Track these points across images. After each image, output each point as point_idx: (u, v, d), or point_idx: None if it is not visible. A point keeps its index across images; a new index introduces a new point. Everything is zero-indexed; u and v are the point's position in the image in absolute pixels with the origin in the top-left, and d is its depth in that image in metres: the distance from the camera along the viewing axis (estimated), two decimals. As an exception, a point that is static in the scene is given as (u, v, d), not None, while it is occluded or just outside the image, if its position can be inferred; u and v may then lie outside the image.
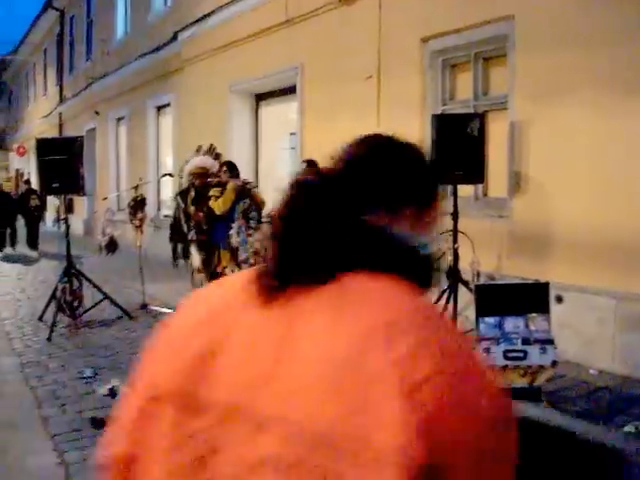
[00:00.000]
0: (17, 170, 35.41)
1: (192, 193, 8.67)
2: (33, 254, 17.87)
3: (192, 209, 8.55)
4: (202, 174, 8.53)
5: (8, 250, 18.27)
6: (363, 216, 1.05)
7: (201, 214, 8.45)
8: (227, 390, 0.99)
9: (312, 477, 0.89)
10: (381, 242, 1.04)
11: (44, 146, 8.58)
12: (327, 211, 1.04)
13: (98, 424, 4.75)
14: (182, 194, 8.85)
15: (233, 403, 0.98)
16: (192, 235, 8.57)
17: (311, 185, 1.10)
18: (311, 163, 7.37)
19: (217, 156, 8.81)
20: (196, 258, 8.56)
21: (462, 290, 6.80)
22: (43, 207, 19.36)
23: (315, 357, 0.94)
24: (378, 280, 1.01)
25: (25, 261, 16.47)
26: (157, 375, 1.08)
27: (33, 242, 18.83)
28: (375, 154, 1.16)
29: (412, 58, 8.14)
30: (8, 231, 18.57)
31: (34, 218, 19.12)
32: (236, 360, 1.00)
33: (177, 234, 8.95)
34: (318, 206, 1.05)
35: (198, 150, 8.98)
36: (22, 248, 18.58)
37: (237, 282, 1.11)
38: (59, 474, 4.04)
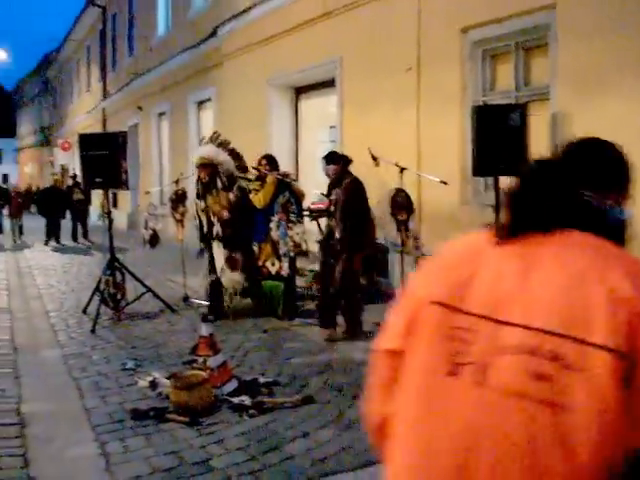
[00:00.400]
0: (62, 165, 36.02)
1: (199, 187, 8.32)
2: (81, 245, 18.46)
3: (212, 205, 8.20)
4: (207, 165, 8.13)
5: (53, 243, 18.72)
6: (577, 192, 1.45)
7: (218, 208, 8.12)
8: (480, 302, 1.41)
9: (544, 358, 1.29)
10: (590, 209, 1.44)
11: (87, 141, 8.69)
12: (551, 183, 1.46)
13: (139, 415, 4.82)
14: (197, 193, 8.54)
15: (485, 311, 1.39)
16: (217, 231, 8.19)
17: (539, 165, 1.52)
18: (330, 157, 7.24)
19: (221, 144, 8.39)
20: (219, 257, 8.23)
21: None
22: (87, 201, 19.83)
23: (546, 283, 1.35)
24: (587, 236, 1.41)
25: (75, 251, 16.94)
26: (430, 289, 1.51)
27: (76, 235, 19.36)
28: (591, 149, 1.54)
29: (452, 49, 8.05)
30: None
31: (79, 212, 19.59)
32: (487, 283, 1.42)
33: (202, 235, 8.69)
34: (545, 180, 1.48)
35: (201, 141, 8.74)
36: (67, 241, 19.04)
37: (482, 234, 1.54)
38: (100, 464, 4.09)
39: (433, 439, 1.40)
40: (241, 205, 8.13)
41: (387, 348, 1.59)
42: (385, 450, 1.57)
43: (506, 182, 7.36)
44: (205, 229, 8.35)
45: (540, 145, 7.11)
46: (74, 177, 21.02)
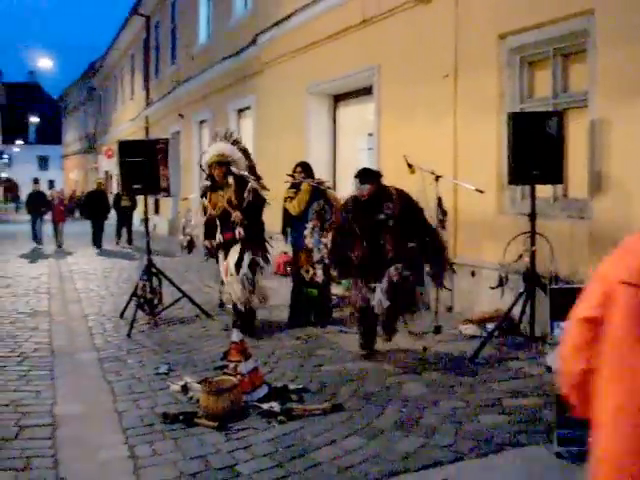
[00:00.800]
0: (106, 172, 36.63)
1: (206, 186, 7.97)
2: (123, 248, 19.41)
3: (219, 201, 7.75)
4: (222, 163, 7.74)
5: (95, 250, 19.01)
6: None
7: (219, 205, 7.68)
8: None
9: None
10: None
11: (126, 148, 8.82)
12: None
13: (168, 419, 4.85)
14: (203, 193, 8.06)
15: None
16: (219, 238, 7.76)
17: None
18: (365, 175, 6.66)
19: (235, 142, 8.11)
20: (225, 263, 7.78)
21: (540, 294, 6.64)
22: (134, 207, 20.33)
23: None
24: None
25: (116, 256, 17.29)
26: (618, 271, 1.83)
27: (119, 239, 20.36)
28: None
29: (489, 56, 7.98)
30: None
31: (125, 217, 20.44)
32: None
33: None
34: None
35: (214, 138, 8.37)
36: (109, 245, 19.46)
37: None
38: (128, 466, 4.13)
39: (627, 396, 1.76)
40: (253, 207, 7.71)
41: (584, 316, 1.92)
42: (586, 407, 1.92)
43: (543, 190, 7.30)
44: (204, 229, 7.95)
45: (578, 153, 7.03)
46: (122, 184, 21.53)
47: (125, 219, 20.43)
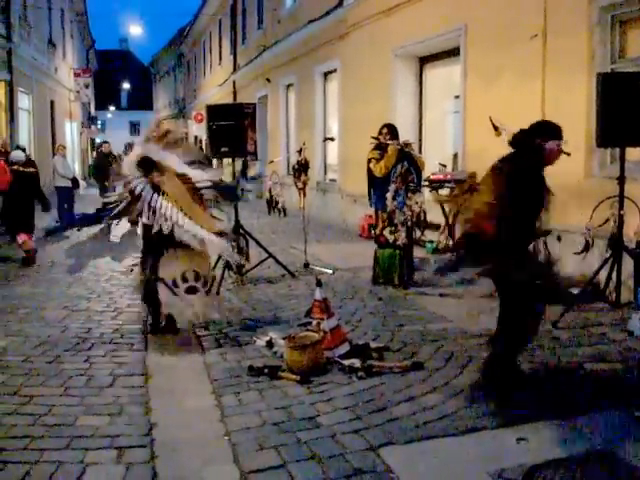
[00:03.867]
0: (195, 136, 37.33)
1: None
2: None
3: None
4: None
5: None
6: None
7: None
8: None
9: None
10: None
11: (214, 112, 9.06)
12: None
13: (254, 372, 5.07)
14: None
15: None
16: None
17: None
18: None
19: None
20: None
21: (627, 259, 6.53)
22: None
23: None
24: None
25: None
26: None
27: None
28: None
29: (580, 14, 7.75)
30: None
31: None
32: None
33: None
34: None
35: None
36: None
37: None
38: (215, 415, 4.36)
39: None
40: None
41: None
42: None
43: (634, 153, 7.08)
44: None
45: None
46: (200, 149, 22.17)
47: None
